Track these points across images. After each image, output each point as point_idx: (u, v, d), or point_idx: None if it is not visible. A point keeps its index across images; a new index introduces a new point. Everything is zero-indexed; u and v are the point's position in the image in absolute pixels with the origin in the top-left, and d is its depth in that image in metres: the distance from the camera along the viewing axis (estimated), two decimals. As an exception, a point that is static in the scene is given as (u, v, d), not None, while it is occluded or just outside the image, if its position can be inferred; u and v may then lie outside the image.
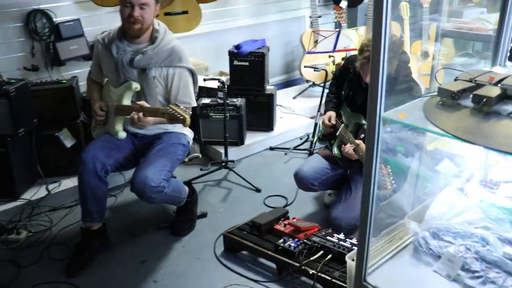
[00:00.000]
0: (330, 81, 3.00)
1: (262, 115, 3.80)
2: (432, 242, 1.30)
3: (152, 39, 2.47)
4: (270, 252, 2.39)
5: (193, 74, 2.59)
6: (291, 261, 2.29)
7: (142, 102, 2.30)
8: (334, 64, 3.86)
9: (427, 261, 1.26)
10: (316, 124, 3.71)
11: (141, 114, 2.25)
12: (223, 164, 3.33)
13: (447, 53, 4.43)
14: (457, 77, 1.33)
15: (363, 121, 2.63)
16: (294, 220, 2.66)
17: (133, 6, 2.31)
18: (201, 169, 3.39)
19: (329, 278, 2.18)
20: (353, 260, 1.91)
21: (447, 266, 1.17)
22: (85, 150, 2.41)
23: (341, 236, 2.43)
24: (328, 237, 2.42)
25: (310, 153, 3.61)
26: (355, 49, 4.25)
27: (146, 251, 2.56)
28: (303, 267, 2.24)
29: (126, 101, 2.43)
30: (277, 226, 2.58)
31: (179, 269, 2.43)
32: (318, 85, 4.77)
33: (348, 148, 2.57)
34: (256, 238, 2.52)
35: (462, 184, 1.51)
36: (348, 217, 2.64)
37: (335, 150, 2.75)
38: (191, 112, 2.19)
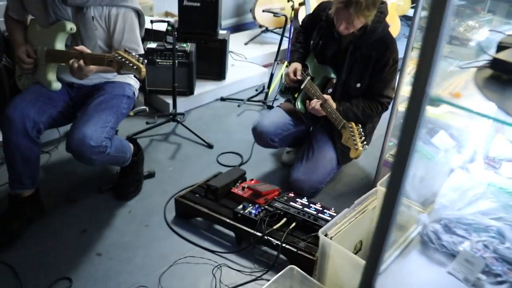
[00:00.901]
0: (298, 29, 2.71)
1: (213, 63, 3.46)
2: (445, 237, 1.14)
3: (90, -30, 2.03)
4: (228, 220, 2.19)
5: (139, 15, 2.20)
6: (252, 231, 2.11)
7: (82, 47, 1.91)
8: (292, 9, 3.55)
9: (439, 260, 1.10)
10: (272, 75, 3.44)
11: (81, 61, 1.86)
12: (171, 117, 3.01)
13: None
14: (501, 42, 1.05)
15: (332, 75, 2.40)
16: (253, 182, 2.46)
17: None
18: (147, 123, 3.05)
19: (295, 250, 2.03)
20: (326, 235, 1.77)
21: (465, 268, 1.02)
22: (11, 105, 2.00)
23: (305, 201, 2.27)
24: (291, 203, 2.25)
25: (269, 107, 3.37)
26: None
27: (87, 219, 2.26)
28: (266, 237, 2.07)
29: (59, 45, 2.02)
30: (235, 190, 2.36)
31: (125, 239, 2.17)
32: (272, 31, 4.46)
33: (315, 103, 2.35)
34: (211, 203, 2.30)
35: (464, 163, 1.36)
36: (311, 179, 2.47)
37: (299, 105, 2.53)
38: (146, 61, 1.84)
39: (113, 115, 2.13)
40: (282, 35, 3.41)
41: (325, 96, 2.34)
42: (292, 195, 2.34)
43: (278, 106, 2.69)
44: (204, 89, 3.41)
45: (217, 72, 3.50)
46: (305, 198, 2.30)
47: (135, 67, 1.76)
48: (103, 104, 2.13)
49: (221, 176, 2.44)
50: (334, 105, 2.33)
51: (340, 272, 1.77)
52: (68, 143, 1.98)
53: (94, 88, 2.21)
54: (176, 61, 2.91)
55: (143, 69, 1.77)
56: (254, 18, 4.27)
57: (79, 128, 1.97)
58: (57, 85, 2.08)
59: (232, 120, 3.32)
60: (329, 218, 2.16)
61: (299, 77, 2.53)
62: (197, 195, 2.35)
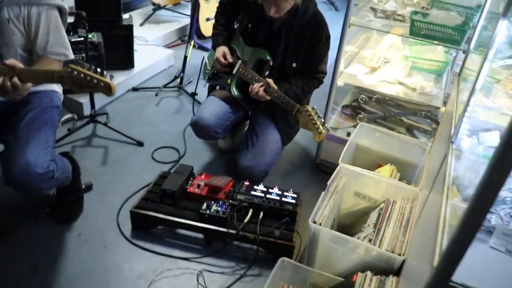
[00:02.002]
0: (217, 11, 2.58)
1: (120, 51, 3.16)
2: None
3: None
4: (195, 223, 2.09)
5: (62, 12, 1.89)
6: (225, 229, 2.05)
7: (13, 61, 1.57)
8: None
9: (479, 237, 1.19)
10: (186, 57, 3.26)
11: (16, 79, 1.54)
12: (92, 117, 2.70)
13: None
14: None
15: (268, 57, 2.36)
16: (203, 177, 2.36)
17: None
18: (68, 130, 2.68)
19: (273, 240, 2.03)
20: (315, 222, 1.79)
21: (504, 241, 1.11)
22: None
23: (263, 187, 2.26)
24: (252, 192, 2.22)
25: (194, 94, 3.18)
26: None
27: (32, 253, 1.96)
28: (241, 233, 2.03)
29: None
30: (191, 189, 2.25)
31: (86, 267, 1.93)
32: (165, 8, 4.19)
33: (257, 88, 2.29)
34: (170, 208, 2.16)
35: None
36: (260, 164, 2.47)
37: (235, 91, 2.45)
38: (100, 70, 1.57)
39: (50, 132, 1.85)
40: (193, 15, 3.23)
41: (267, 79, 2.30)
42: (247, 183, 2.31)
43: (211, 95, 2.57)
44: (114, 80, 3.11)
45: (126, 60, 3.22)
46: (261, 184, 2.29)
47: (101, 84, 1.51)
48: (36, 121, 1.82)
49: (171, 177, 2.29)
50: (275, 87, 2.31)
51: (331, 252, 1.83)
52: (8, 176, 1.67)
53: (17, 102, 1.87)
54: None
55: (113, 86, 1.52)
56: (146, -5, 3.97)
57: (18, 155, 1.67)
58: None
59: (152, 111, 3.11)
60: (293, 201, 2.20)
61: (230, 60, 2.44)
62: (152, 202, 2.19)
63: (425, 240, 1.49)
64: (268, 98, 2.30)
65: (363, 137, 2.47)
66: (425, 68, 2.65)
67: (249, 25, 2.38)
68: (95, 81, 1.50)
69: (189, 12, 4.22)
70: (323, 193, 1.94)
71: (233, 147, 2.80)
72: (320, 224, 1.79)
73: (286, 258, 1.81)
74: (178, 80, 3.33)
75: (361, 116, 2.72)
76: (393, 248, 1.73)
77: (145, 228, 2.16)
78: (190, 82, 3.46)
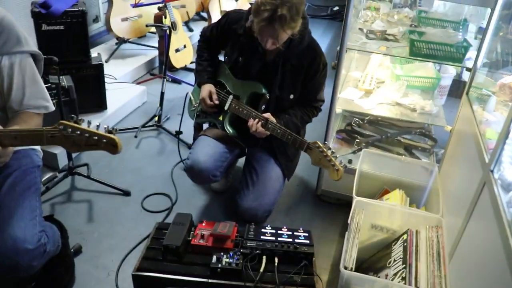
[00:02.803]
0: (199, 45, 2.41)
1: (90, 93, 2.92)
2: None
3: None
4: (206, 280, 1.88)
5: (37, 59, 1.67)
6: (241, 283, 1.86)
7: None
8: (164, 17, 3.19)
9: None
10: (162, 94, 3.06)
11: None
12: (70, 170, 2.45)
13: None
14: None
15: (264, 90, 2.21)
16: (204, 225, 2.15)
17: None
18: (47, 188, 2.40)
19: (295, 288, 1.86)
20: (346, 268, 1.64)
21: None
22: None
23: (271, 229, 2.08)
24: (261, 237, 2.05)
25: (178, 133, 2.92)
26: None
27: None
28: (259, 285, 1.85)
29: None
30: (195, 241, 2.03)
31: None
32: (129, 41, 3.97)
33: (256, 125, 2.13)
34: (176, 266, 1.93)
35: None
36: (263, 204, 2.29)
37: (230, 129, 2.28)
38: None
39: (35, 197, 1.62)
40: (168, 44, 3.03)
41: (265, 114, 2.15)
42: (254, 226, 2.13)
43: (203, 134, 2.38)
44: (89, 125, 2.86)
45: (98, 102, 2.98)
46: (269, 226, 2.12)
47: (104, 141, 1.31)
48: (18, 187, 1.59)
49: (172, 230, 2.07)
50: (275, 121, 2.17)
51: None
52: None
53: (-7, 166, 1.63)
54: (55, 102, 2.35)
55: (118, 141, 1.32)
56: (109, 29, 3.74)
57: (2, 230, 1.43)
58: None
59: (133, 155, 2.88)
60: (306, 241, 2.03)
61: (216, 102, 2.28)
62: (155, 261, 1.96)
63: (480, 276, 1.38)
64: (268, 133, 2.14)
65: (366, 163, 2.36)
66: (417, 86, 2.60)
67: (240, 58, 2.23)
68: (96, 137, 1.30)
69: (154, 44, 4.03)
70: (346, 233, 1.80)
71: (227, 186, 2.63)
72: (351, 269, 1.65)
73: (317, 310, 1.65)
74: (156, 118, 3.12)
75: (358, 140, 2.62)
76: (432, 286, 1.60)
77: (149, 291, 1.93)
78: (168, 119, 3.26)
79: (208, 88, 2.30)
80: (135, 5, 3.22)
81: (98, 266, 2.03)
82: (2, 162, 1.40)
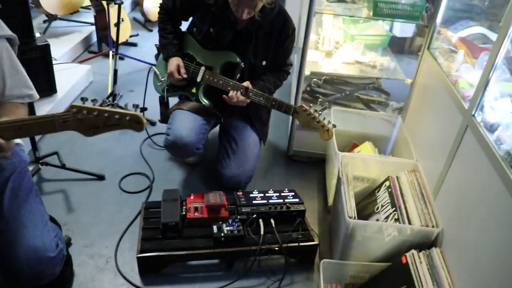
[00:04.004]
0: (160, 17, 2.33)
1: (38, 76, 2.71)
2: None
3: None
4: (211, 250, 1.93)
5: (12, 43, 1.55)
6: (247, 247, 1.93)
7: None
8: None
9: None
10: (116, 71, 2.93)
11: None
12: (37, 160, 2.31)
13: None
14: None
15: (238, 59, 2.21)
16: (192, 198, 2.18)
17: None
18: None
19: (297, 244, 1.98)
20: (350, 217, 1.77)
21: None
22: None
23: (259, 194, 2.18)
24: (253, 202, 2.13)
25: (143, 109, 2.80)
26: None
27: None
28: (264, 246, 1.93)
29: None
30: (191, 215, 2.06)
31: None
32: (60, 18, 3.69)
33: (236, 95, 2.15)
34: (178, 241, 1.96)
35: None
36: (245, 170, 2.36)
37: (205, 100, 2.27)
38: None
39: (38, 201, 1.58)
40: (108, 23, 2.89)
41: (244, 83, 2.17)
42: (241, 193, 2.20)
43: (178, 108, 2.34)
44: (41, 111, 2.68)
45: (47, 86, 2.79)
46: (256, 191, 2.20)
47: (127, 118, 1.25)
48: (20, 193, 1.51)
49: (165, 207, 2.06)
50: (255, 89, 2.19)
51: (364, 242, 1.83)
52: (11, 271, 1.36)
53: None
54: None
55: (141, 117, 1.26)
56: (37, 5, 3.44)
57: (19, 244, 1.38)
58: None
59: (96, 137, 2.67)
60: (296, 199, 2.15)
61: (184, 76, 2.26)
62: (154, 240, 1.95)
63: (472, 204, 1.56)
64: (249, 101, 2.18)
65: (335, 120, 2.49)
66: (369, 44, 2.75)
67: (211, 29, 2.20)
68: (117, 116, 1.26)
69: (88, 20, 3.79)
70: (341, 187, 1.93)
71: (200, 157, 2.64)
72: (354, 218, 1.79)
73: (327, 260, 1.79)
74: (110, 97, 2.99)
75: (321, 100, 2.74)
76: (426, 222, 1.79)
77: (154, 271, 1.94)
78: (121, 97, 3.14)
79: (175, 61, 2.26)
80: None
81: (93, 255, 1.98)
82: (5, 157, 1.31)
